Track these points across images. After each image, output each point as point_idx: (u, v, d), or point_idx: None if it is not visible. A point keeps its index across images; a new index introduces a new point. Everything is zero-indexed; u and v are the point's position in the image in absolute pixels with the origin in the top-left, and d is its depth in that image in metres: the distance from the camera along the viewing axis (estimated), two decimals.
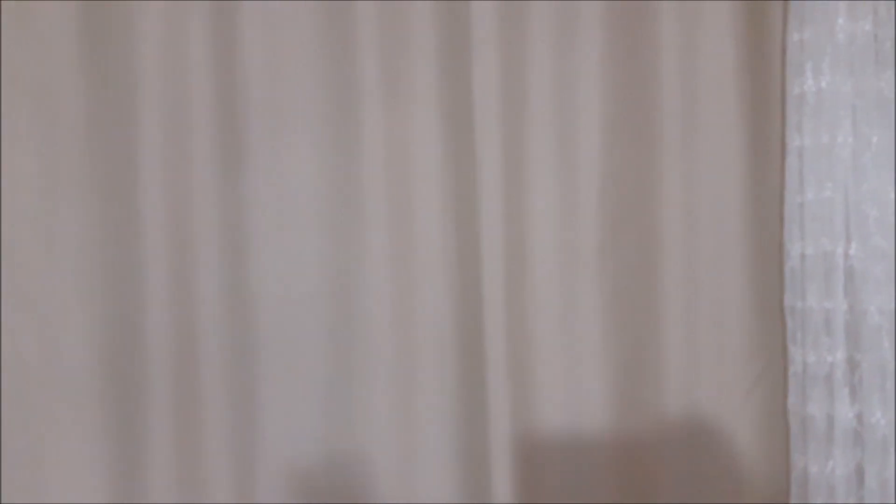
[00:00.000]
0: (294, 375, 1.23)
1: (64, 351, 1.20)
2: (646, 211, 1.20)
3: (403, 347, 1.21)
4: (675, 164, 1.19)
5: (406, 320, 1.22)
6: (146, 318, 1.23)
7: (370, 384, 1.22)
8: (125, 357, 1.23)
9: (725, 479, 1.17)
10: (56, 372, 1.20)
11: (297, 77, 1.21)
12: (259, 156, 1.23)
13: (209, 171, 1.21)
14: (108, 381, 1.22)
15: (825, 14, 1.09)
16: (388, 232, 1.21)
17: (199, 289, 1.22)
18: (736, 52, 1.19)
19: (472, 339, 1.20)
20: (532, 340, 1.19)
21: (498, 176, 1.18)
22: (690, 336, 1.18)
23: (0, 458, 1.17)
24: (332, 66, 1.21)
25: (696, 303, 1.19)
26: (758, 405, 1.16)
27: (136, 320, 1.23)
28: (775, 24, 1.20)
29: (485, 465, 1.19)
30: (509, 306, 1.18)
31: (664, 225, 1.20)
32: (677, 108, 1.20)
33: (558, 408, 1.19)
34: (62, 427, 1.20)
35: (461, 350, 1.21)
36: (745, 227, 1.18)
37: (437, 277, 1.20)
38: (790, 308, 1.11)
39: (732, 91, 1.19)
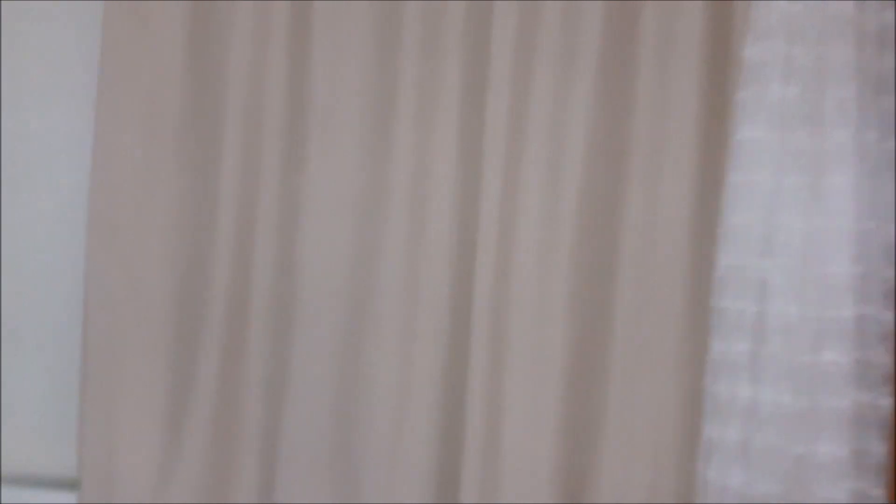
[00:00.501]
0: (321, 331, 1.58)
1: (142, 290, 1.57)
2: (612, 224, 1.51)
3: (407, 317, 1.55)
4: (640, 189, 1.50)
5: (412, 295, 1.55)
6: (212, 273, 1.60)
7: (378, 344, 1.56)
8: (190, 301, 1.60)
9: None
10: (134, 306, 1.58)
11: (351, 94, 1.57)
12: (315, 154, 1.59)
13: (276, 161, 1.57)
14: (174, 317, 1.59)
15: (763, 78, 1.39)
16: (405, 225, 1.55)
17: (255, 256, 1.58)
18: (699, 106, 1.50)
19: (462, 315, 1.53)
20: (511, 318, 1.51)
21: (497, 188, 1.51)
22: (637, 325, 1.48)
23: (86, 371, 1.53)
24: (378, 89, 1.56)
25: (645, 302, 1.49)
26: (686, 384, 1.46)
27: (203, 274, 1.60)
28: (733, 84, 1.51)
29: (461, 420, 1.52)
30: (496, 289, 1.50)
31: (626, 237, 1.51)
32: (646, 147, 1.51)
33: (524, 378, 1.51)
34: (135, 349, 1.57)
35: (453, 323, 1.54)
36: (689, 242, 1.48)
37: (439, 264, 1.54)
38: (715, 307, 1.41)
39: (693, 135, 1.50)
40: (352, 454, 1.54)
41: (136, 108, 1.56)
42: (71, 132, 1.69)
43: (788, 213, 1.36)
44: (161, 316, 1.56)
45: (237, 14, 1.54)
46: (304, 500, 1.51)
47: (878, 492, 1.36)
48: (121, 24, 1.55)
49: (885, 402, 1.37)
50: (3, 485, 1.59)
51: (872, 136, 1.37)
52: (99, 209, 1.55)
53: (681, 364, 1.45)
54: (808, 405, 1.34)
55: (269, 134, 1.53)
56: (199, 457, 1.54)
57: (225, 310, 1.55)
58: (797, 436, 1.33)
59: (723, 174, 1.46)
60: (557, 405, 1.46)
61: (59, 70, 1.71)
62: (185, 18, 1.54)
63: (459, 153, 1.52)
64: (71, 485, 1.61)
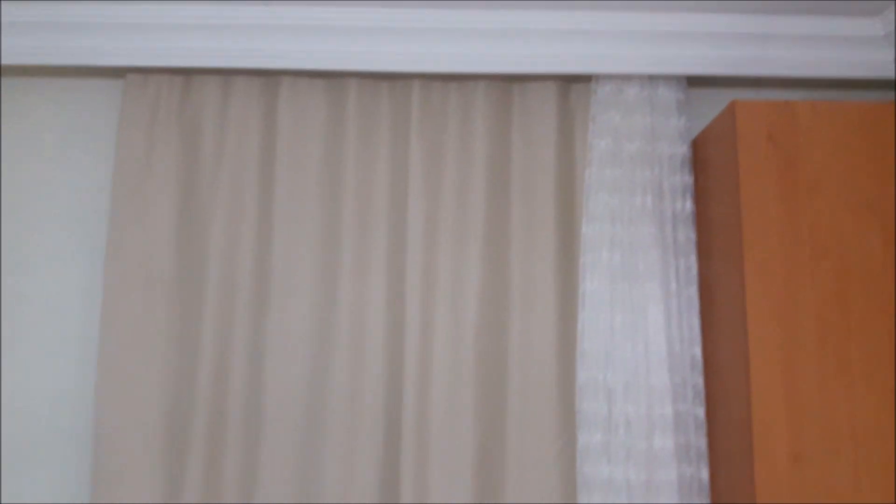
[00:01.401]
0: (284, 436, 1.98)
1: (140, 413, 1.95)
2: (500, 347, 2.02)
3: (352, 421, 1.98)
4: (517, 323, 2.03)
5: (355, 405, 2.00)
6: (196, 397, 2.00)
7: (329, 443, 1.97)
8: (179, 420, 1.99)
9: None
10: (134, 426, 1.95)
11: (303, 265, 2.07)
12: (275, 306, 2.07)
13: (245, 312, 2.04)
14: (167, 433, 1.97)
15: (596, 248, 2.01)
16: (347, 353, 2.02)
17: (230, 383, 2.01)
18: (555, 265, 2.06)
19: (394, 416, 1.99)
20: (431, 417, 1.96)
21: (415, 323, 2.02)
22: (524, 424, 1.97)
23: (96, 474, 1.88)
24: (324, 262, 2.08)
25: (528, 404, 1.98)
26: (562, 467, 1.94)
27: (190, 398, 2.01)
28: (577, 251, 2.09)
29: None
30: (419, 398, 1.97)
31: (510, 357, 2.01)
32: (520, 293, 2.05)
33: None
34: (135, 458, 1.93)
35: (387, 423, 1.99)
36: (556, 361, 2.00)
37: (375, 380, 2.00)
38: (578, 409, 1.93)
39: (552, 286, 2.03)
40: None
41: (137, 274, 2.01)
42: (83, 292, 2.13)
43: (622, 341, 1.94)
44: (156, 432, 1.92)
45: (215, 207, 2.06)
46: None
47: None
48: (125, 213, 2.04)
49: (704, 473, 1.91)
50: None
51: (674, 286, 1.99)
52: (107, 350, 1.96)
53: (558, 452, 1.94)
54: (647, 478, 1.85)
55: (240, 291, 2.01)
56: None
57: (207, 424, 1.95)
58: (643, 497, 1.83)
59: (575, 313, 2.04)
60: (469, 485, 1.90)
61: (73, 240, 2.16)
62: (175, 211, 2.04)
63: (386, 301, 2.03)
64: None
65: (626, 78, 2.09)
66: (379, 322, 2.02)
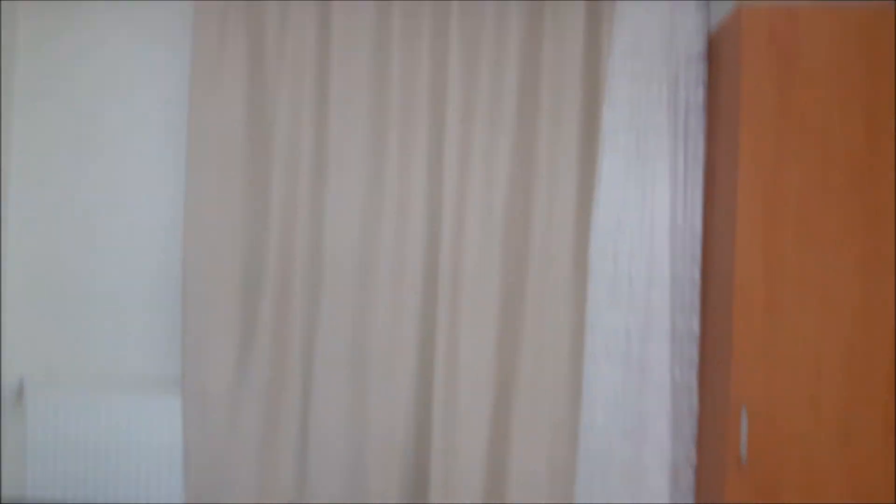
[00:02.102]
0: (340, 288, 2.39)
1: (220, 267, 2.36)
2: (525, 220, 2.39)
3: (397, 276, 2.38)
4: (543, 198, 2.37)
5: (399, 265, 2.38)
6: (266, 255, 2.40)
7: (378, 295, 2.37)
8: (253, 272, 2.39)
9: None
10: (214, 277, 2.36)
11: (356, 140, 2.40)
12: (333, 176, 2.42)
13: (307, 181, 2.40)
14: (242, 283, 2.37)
15: (615, 132, 2.31)
16: (394, 220, 2.39)
17: (295, 243, 2.39)
18: (578, 149, 2.38)
19: (432, 275, 2.39)
20: (463, 274, 2.35)
21: (453, 197, 2.37)
22: (542, 284, 2.35)
23: (185, 318, 2.32)
24: (374, 138, 2.41)
25: (547, 267, 2.36)
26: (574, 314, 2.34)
27: (261, 256, 2.40)
28: (598, 135, 2.39)
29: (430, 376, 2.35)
30: (453, 258, 2.35)
31: (534, 228, 2.36)
32: (546, 167, 2.39)
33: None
34: (216, 304, 2.35)
35: (426, 281, 2.38)
36: (574, 226, 2.36)
37: (416, 246, 2.37)
38: (591, 269, 2.30)
39: (574, 167, 2.38)
40: (362, 359, 2.37)
41: (214, 152, 2.38)
42: (168, 171, 2.54)
43: (632, 212, 2.27)
44: (233, 283, 2.36)
45: (279, 95, 2.39)
46: (329, 389, 2.33)
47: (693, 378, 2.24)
48: (202, 100, 2.38)
49: (695, 324, 2.27)
50: (130, 392, 2.38)
51: (682, 166, 2.29)
52: (191, 213, 2.36)
53: (571, 303, 2.34)
54: (645, 325, 2.22)
55: (302, 166, 2.38)
56: (260, 372, 2.34)
57: (275, 278, 2.37)
58: (639, 340, 2.21)
59: (593, 188, 2.37)
60: (494, 326, 2.32)
61: (158, 125, 2.56)
62: (244, 98, 2.38)
63: (427, 173, 2.39)
64: (177, 390, 2.44)
65: None
66: (420, 195, 2.38)
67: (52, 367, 2.52)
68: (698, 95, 2.33)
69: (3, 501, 2.36)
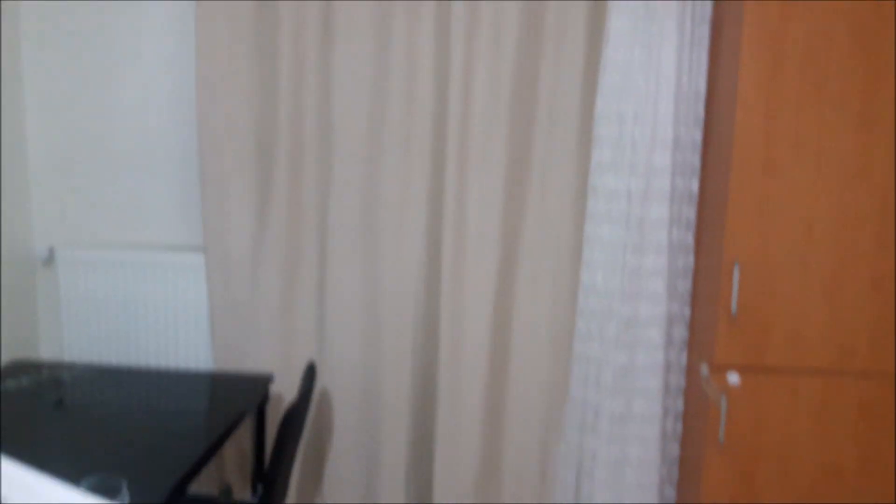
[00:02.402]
0: (350, 154, 2.43)
1: (233, 129, 2.39)
2: (532, 79, 2.38)
3: (406, 144, 2.41)
4: (550, 56, 2.36)
5: (406, 138, 2.41)
6: (279, 118, 2.41)
7: (387, 165, 2.42)
8: (266, 137, 2.44)
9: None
10: (229, 140, 2.41)
11: (364, 20, 2.36)
12: (341, 42, 2.39)
13: (314, 53, 2.38)
14: (256, 146, 2.42)
15: None
16: (402, 97, 2.38)
17: (305, 110, 2.40)
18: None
19: (440, 146, 2.41)
20: (470, 140, 2.38)
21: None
22: (548, 154, 2.38)
23: (203, 180, 2.39)
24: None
25: (553, 136, 2.38)
26: (578, 180, 2.39)
27: (273, 120, 2.42)
28: None
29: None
30: (461, 131, 2.37)
31: (540, 104, 2.38)
32: (554, 28, 2.36)
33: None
34: (233, 166, 2.41)
35: (434, 152, 2.41)
36: (581, 90, 2.36)
37: (424, 121, 2.38)
38: (595, 135, 2.32)
39: (582, 19, 2.35)
40: (374, 222, 2.46)
41: (223, 15, 2.36)
42: (180, 31, 2.53)
43: (637, 74, 2.25)
44: (247, 146, 2.41)
45: None
46: (343, 253, 2.44)
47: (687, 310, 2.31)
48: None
49: (695, 186, 2.31)
50: (157, 253, 2.52)
51: (689, 24, 2.25)
52: (204, 81, 2.37)
53: (574, 167, 2.38)
54: (645, 187, 2.27)
55: (309, 30, 2.36)
56: (278, 237, 2.45)
57: (288, 141, 2.41)
58: (640, 202, 2.26)
59: (599, 51, 2.34)
60: (499, 192, 2.38)
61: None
62: None
63: (435, 40, 2.35)
64: (200, 250, 2.56)
65: None
66: (427, 60, 2.36)
67: (80, 235, 2.64)
68: None
69: (42, 361, 2.55)
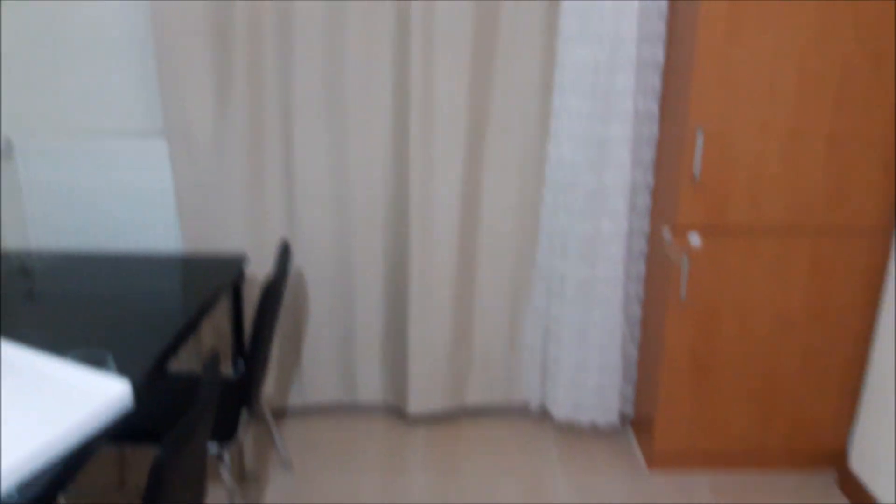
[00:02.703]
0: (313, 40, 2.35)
1: (190, 10, 2.27)
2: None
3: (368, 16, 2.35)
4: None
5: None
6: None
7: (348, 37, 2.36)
8: (225, 16, 2.30)
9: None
10: (186, 23, 2.29)
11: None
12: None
13: None
14: (213, 25, 2.30)
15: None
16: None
17: None
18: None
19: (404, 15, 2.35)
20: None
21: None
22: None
23: (160, 64, 2.30)
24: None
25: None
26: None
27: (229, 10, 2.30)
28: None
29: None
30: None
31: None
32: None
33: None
34: (190, 46, 2.30)
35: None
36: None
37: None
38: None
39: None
40: (339, 102, 2.41)
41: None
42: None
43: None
44: (203, 24, 2.29)
45: None
46: (309, 132, 2.42)
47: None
48: None
49: (659, 53, 2.32)
50: (118, 139, 2.45)
51: None
52: None
53: (541, 37, 2.36)
54: (611, 56, 2.27)
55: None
56: (240, 117, 2.40)
57: (246, 17, 2.31)
58: (606, 72, 2.27)
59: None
60: (466, 68, 2.35)
61: None
62: None
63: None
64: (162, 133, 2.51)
65: None
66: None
67: (39, 125, 2.55)
68: None
69: (8, 251, 2.52)
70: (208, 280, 2.15)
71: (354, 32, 2.36)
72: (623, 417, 2.73)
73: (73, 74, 2.50)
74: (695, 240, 2.16)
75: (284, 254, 2.17)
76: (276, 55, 2.37)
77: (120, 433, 1.91)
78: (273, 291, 2.02)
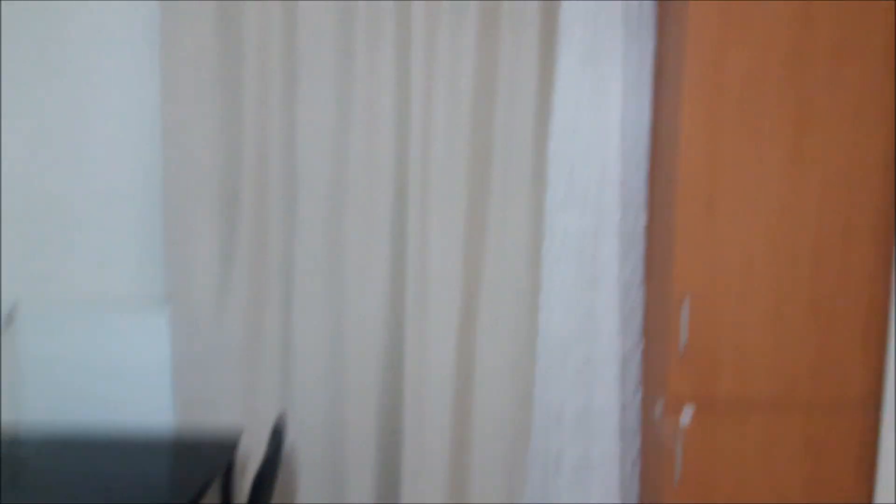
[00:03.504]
0: (314, 196, 2.45)
1: (199, 176, 2.39)
2: (489, 123, 2.44)
3: (368, 189, 2.44)
4: (502, 108, 2.40)
5: (369, 181, 2.43)
6: (243, 167, 2.41)
7: (351, 208, 2.44)
8: (230, 184, 2.45)
9: None
10: (195, 186, 2.40)
11: (323, 65, 2.38)
12: (304, 92, 2.38)
13: (278, 99, 2.39)
14: (221, 193, 2.43)
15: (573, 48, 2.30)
16: (363, 139, 2.41)
17: (270, 154, 2.43)
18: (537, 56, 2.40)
19: (402, 176, 2.46)
20: (431, 173, 2.42)
21: (420, 105, 2.39)
22: (505, 184, 2.44)
23: (167, 231, 2.37)
24: (341, 63, 2.39)
25: (509, 161, 2.43)
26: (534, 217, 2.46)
27: (238, 168, 2.42)
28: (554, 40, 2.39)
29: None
30: (423, 165, 2.41)
31: (497, 133, 2.42)
32: (508, 75, 2.40)
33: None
34: (197, 214, 2.41)
35: (397, 183, 2.46)
36: (532, 135, 2.40)
37: (385, 150, 2.42)
38: (550, 162, 2.37)
39: (534, 65, 2.39)
40: (338, 272, 2.48)
41: (188, 69, 2.35)
42: (142, 83, 2.50)
43: (586, 114, 2.30)
44: (212, 194, 2.40)
45: (250, 18, 2.34)
46: (308, 302, 2.46)
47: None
48: (174, 21, 2.32)
49: (642, 222, 2.38)
50: (120, 312, 2.49)
51: (634, 65, 2.30)
52: (169, 123, 2.36)
53: (529, 205, 2.44)
54: (596, 225, 2.33)
55: (273, 74, 2.37)
56: (242, 287, 2.45)
57: (253, 189, 2.41)
58: (591, 241, 2.33)
59: (551, 94, 2.40)
60: (460, 239, 2.42)
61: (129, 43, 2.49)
62: (216, 18, 2.34)
63: (395, 89, 2.39)
64: (163, 305, 2.54)
65: None
66: (388, 100, 2.40)
67: (42, 291, 2.60)
68: None
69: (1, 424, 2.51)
70: (199, 465, 2.13)
71: (355, 205, 2.44)
72: None
73: (79, 240, 2.57)
74: (686, 417, 2.14)
75: (277, 437, 2.16)
76: (281, 223, 2.46)
77: None
78: (264, 481, 2.00)
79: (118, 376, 2.54)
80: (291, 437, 2.56)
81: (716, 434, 2.16)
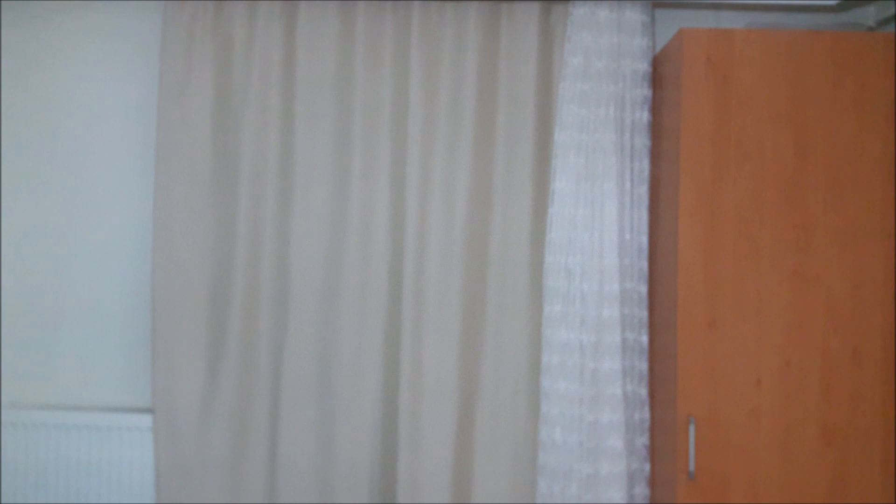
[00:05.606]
0: (306, 304, 2.43)
1: (188, 283, 2.40)
2: (484, 235, 2.44)
3: (362, 292, 2.44)
4: (499, 216, 2.43)
5: (363, 281, 2.44)
6: (234, 270, 2.43)
7: (343, 312, 2.42)
8: (220, 289, 2.43)
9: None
10: (183, 293, 2.40)
11: (320, 160, 2.45)
12: (298, 195, 2.46)
13: (273, 199, 2.44)
14: (210, 301, 2.42)
15: (565, 153, 2.38)
16: (358, 237, 2.44)
17: (262, 260, 2.43)
18: (532, 168, 2.44)
19: (396, 289, 2.44)
20: (426, 291, 2.40)
21: (415, 211, 2.42)
22: (500, 299, 2.41)
23: (154, 339, 2.37)
24: (338, 157, 2.46)
25: (504, 282, 2.41)
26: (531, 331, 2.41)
27: (229, 271, 2.43)
28: (550, 155, 2.46)
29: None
30: (417, 278, 2.40)
31: (492, 244, 2.43)
32: (502, 188, 2.45)
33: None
34: (184, 323, 2.39)
35: (391, 293, 2.44)
36: (529, 247, 2.41)
37: (380, 260, 2.43)
38: (545, 285, 2.35)
39: (528, 185, 2.42)
40: (329, 377, 2.41)
41: (182, 173, 2.41)
42: (136, 183, 2.57)
43: (582, 230, 2.33)
44: (201, 300, 2.39)
45: (245, 115, 2.42)
46: (297, 408, 2.38)
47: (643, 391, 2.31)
48: (169, 121, 2.40)
49: (644, 338, 2.34)
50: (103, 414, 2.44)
51: (628, 185, 2.35)
52: (160, 231, 2.39)
53: (527, 318, 2.41)
54: (597, 341, 2.29)
55: (268, 186, 2.42)
56: (229, 392, 2.39)
57: (243, 294, 2.40)
58: (592, 356, 2.27)
59: (546, 208, 2.43)
60: (456, 341, 2.38)
61: (125, 146, 2.60)
62: (211, 119, 2.42)
63: (390, 193, 2.42)
64: (148, 410, 2.46)
65: (599, 1, 2.37)
66: (384, 212, 2.43)
67: (27, 393, 2.57)
68: (643, 116, 2.39)
69: None
70: None
71: (348, 309, 2.42)
72: None
73: (65, 343, 2.55)
74: None
75: None
76: (270, 330, 2.42)
77: None
78: None
79: (102, 481, 2.45)
80: None
81: None
